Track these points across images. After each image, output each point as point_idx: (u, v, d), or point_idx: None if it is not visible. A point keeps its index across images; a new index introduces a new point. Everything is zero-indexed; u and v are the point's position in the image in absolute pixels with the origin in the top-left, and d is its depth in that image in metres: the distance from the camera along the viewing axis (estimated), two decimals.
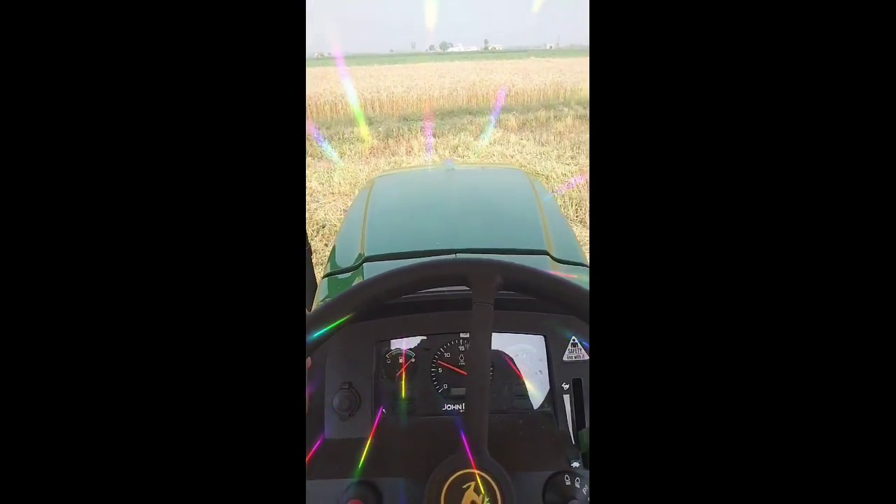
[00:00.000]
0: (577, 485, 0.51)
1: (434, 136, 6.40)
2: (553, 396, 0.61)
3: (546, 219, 0.99)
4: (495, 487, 0.39)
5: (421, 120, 7.74)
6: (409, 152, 5.65)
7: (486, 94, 9.81)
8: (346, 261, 0.90)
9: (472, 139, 6.16)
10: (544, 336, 0.64)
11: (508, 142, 5.90)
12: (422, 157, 5.46)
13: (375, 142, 6.14)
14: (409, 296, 0.53)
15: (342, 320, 0.45)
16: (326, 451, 0.57)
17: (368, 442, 0.57)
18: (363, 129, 6.79)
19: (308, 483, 0.51)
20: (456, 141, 6.02)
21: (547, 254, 0.84)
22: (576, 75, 11.69)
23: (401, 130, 6.70)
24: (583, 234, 2.81)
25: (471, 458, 0.40)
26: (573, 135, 6.12)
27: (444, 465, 0.40)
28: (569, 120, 7.08)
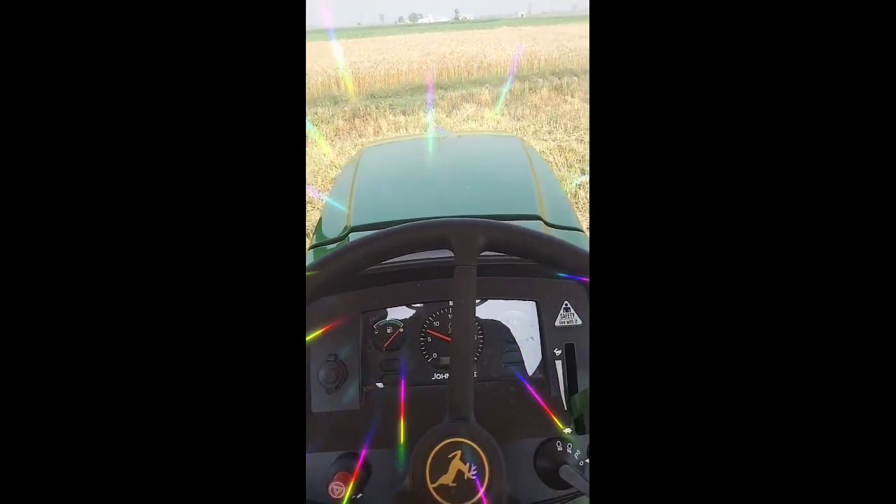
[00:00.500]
0: (569, 450, 0.51)
1: (404, 113, 6.05)
2: (545, 362, 0.60)
3: (540, 185, 0.93)
4: (482, 455, 0.38)
5: (389, 97, 7.34)
6: (377, 132, 5.31)
7: (458, 66, 9.41)
8: (332, 232, 0.84)
9: (444, 115, 5.83)
10: (536, 302, 0.62)
11: (482, 117, 5.59)
12: (390, 135, 5.13)
13: (341, 122, 5.77)
14: (397, 264, 0.52)
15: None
16: (312, 425, 0.56)
17: (356, 414, 0.56)
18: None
19: None
20: (427, 118, 5.69)
21: (540, 218, 0.78)
22: (549, 44, 11.32)
23: (368, 109, 6.32)
24: None
25: (457, 427, 0.39)
26: (549, 108, 5.81)
27: (429, 435, 0.38)
28: (544, 92, 6.74)
